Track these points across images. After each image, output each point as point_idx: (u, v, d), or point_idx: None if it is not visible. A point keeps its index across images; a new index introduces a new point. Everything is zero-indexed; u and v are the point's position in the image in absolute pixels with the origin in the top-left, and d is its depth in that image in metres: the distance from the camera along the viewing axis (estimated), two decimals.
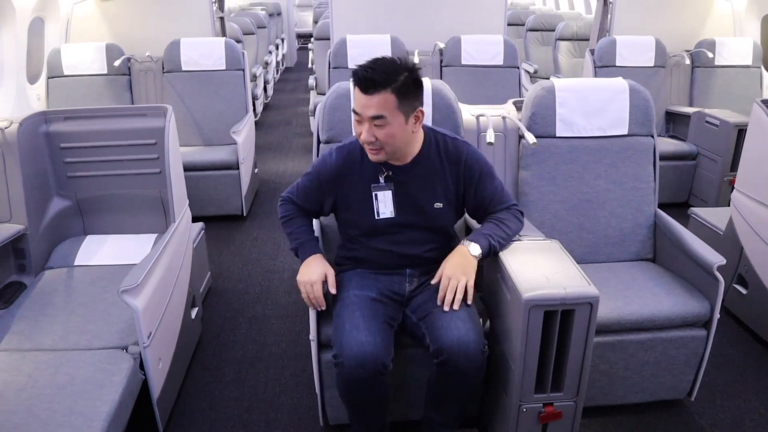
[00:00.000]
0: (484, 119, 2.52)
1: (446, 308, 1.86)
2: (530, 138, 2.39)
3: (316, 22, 8.59)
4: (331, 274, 2.01)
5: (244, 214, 4.22)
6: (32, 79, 4.49)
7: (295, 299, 3.15)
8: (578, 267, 1.91)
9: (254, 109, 6.59)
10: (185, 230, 2.64)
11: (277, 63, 9.85)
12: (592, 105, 2.51)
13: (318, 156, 2.40)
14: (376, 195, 1.97)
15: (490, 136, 2.39)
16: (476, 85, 4.64)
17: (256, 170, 4.74)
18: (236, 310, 3.08)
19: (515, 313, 1.82)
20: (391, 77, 1.75)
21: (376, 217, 1.97)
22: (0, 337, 2.15)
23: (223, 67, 4.36)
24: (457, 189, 1.99)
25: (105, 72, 4.45)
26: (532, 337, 1.80)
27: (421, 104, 1.87)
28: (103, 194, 2.76)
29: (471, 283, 1.89)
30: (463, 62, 4.67)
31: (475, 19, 5.03)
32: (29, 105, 4.20)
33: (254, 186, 4.62)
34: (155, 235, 2.73)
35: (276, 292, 3.26)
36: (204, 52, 4.35)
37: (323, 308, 1.98)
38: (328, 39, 5.41)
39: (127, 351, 2.05)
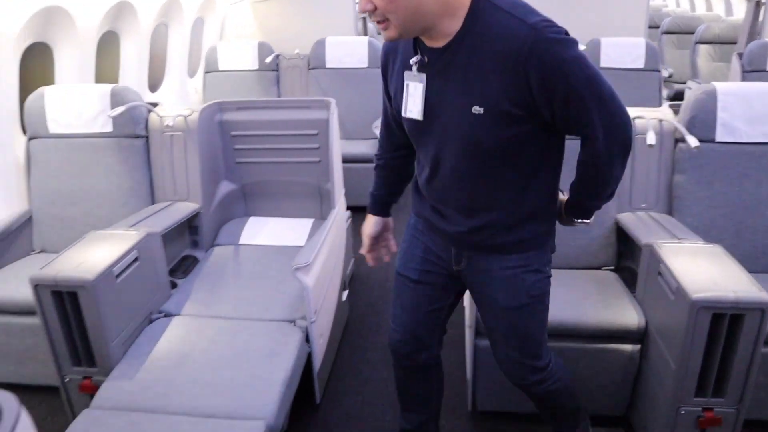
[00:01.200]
0: (642, 121, 2.50)
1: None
2: (692, 141, 2.35)
3: None
4: (367, 236, 1.89)
5: None
6: (191, 73, 4.88)
7: None
8: (746, 272, 1.88)
9: None
10: (342, 216, 2.81)
11: None
12: (757, 110, 2.43)
13: None
14: (407, 85, 1.43)
15: (650, 139, 2.38)
16: (616, 88, 4.54)
17: None
18: (379, 297, 3.22)
19: (679, 313, 1.82)
20: None
21: (403, 114, 1.47)
22: (182, 302, 2.39)
23: (365, 65, 4.54)
24: (508, 94, 1.31)
25: (256, 68, 4.76)
26: (697, 339, 1.79)
27: None
28: (266, 180, 2.99)
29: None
30: (602, 65, 4.59)
31: (614, 21, 4.94)
32: (188, 97, 4.58)
33: None
34: (312, 220, 2.91)
35: None
36: (348, 51, 4.55)
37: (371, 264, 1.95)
38: None
39: (295, 324, 2.22)
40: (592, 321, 2.08)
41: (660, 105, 4.72)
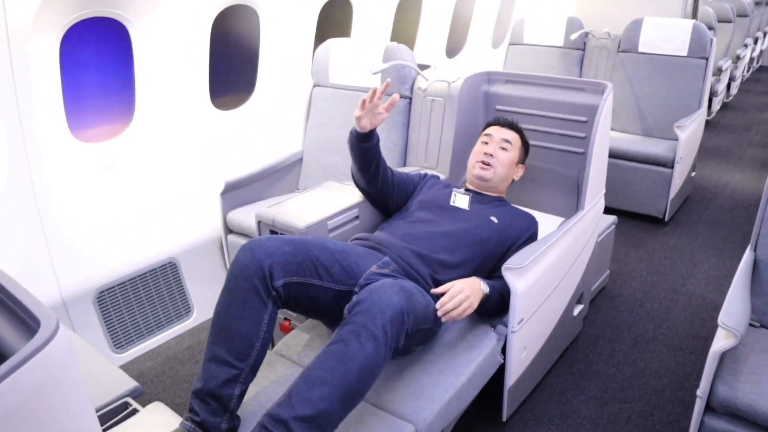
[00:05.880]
0: None
1: (441, 315, 1.69)
2: None
3: None
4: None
5: (666, 219, 3.76)
6: (495, 44, 4.74)
7: (698, 334, 2.67)
8: None
9: (709, 107, 5.84)
10: (593, 221, 2.42)
11: (752, 59, 8.57)
12: None
13: None
14: (455, 193, 2.18)
15: None
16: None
17: (693, 174, 4.17)
18: (624, 322, 2.75)
19: None
20: (521, 130, 2.34)
21: (451, 202, 2.14)
22: None
23: (684, 53, 3.87)
24: (499, 254, 2.03)
25: (561, 44, 4.42)
26: None
27: (523, 164, 2.36)
28: None
29: (471, 310, 1.74)
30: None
31: None
32: (487, 66, 4.46)
33: (686, 191, 4.08)
34: (562, 219, 2.56)
35: (676, 317, 2.81)
36: (666, 35, 3.92)
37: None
38: None
39: (494, 330, 1.96)
40: None
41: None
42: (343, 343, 1.42)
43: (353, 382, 1.39)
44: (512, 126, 2.30)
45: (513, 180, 2.32)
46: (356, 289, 1.75)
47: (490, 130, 2.29)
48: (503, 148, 2.22)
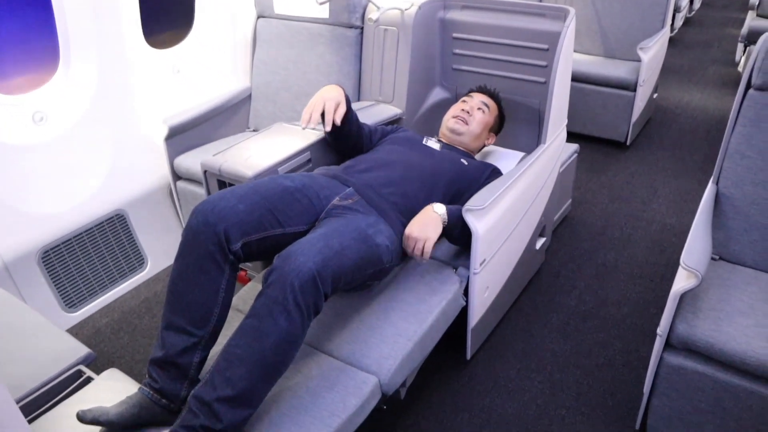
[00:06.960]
0: None
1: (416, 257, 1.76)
2: None
3: None
4: (342, 105, 1.99)
5: (628, 143, 3.73)
6: None
7: (657, 261, 2.68)
8: None
9: (672, 23, 5.73)
10: (555, 153, 2.35)
11: None
12: None
13: (741, 102, 1.85)
14: (427, 138, 2.21)
15: None
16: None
17: (655, 95, 4.11)
18: (586, 251, 2.75)
19: None
20: (501, 102, 2.39)
21: (423, 142, 2.17)
22: None
23: None
24: (466, 195, 1.97)
25: None
26: None
27: (496, 135, 2.40)
28: None
29: (430, 244, 1.73)
30: None
31: None
32: None
33: (648, 113, 4.03)
34: (522, 155, 2.49)
35: (637, 244, 2.81)
36: None
37: (312, 125, 1.95)
38: None
39: (456, 272, 1.92)
40: None
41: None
42: (257, 318, 1.39)
43: (270, 358, 1.37)
44: (493, 95, 2.35)
45: (484, 145, 2.34)
46: (317, 224, 1.69)
47: (471, 94, 2.35)
48: (480, 110, 2.26)
